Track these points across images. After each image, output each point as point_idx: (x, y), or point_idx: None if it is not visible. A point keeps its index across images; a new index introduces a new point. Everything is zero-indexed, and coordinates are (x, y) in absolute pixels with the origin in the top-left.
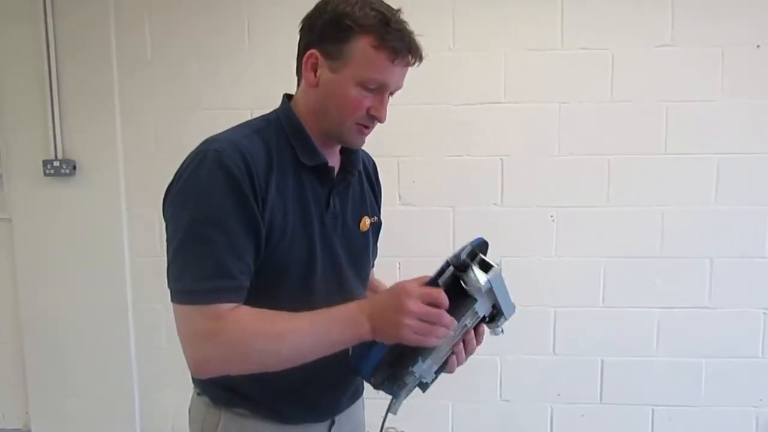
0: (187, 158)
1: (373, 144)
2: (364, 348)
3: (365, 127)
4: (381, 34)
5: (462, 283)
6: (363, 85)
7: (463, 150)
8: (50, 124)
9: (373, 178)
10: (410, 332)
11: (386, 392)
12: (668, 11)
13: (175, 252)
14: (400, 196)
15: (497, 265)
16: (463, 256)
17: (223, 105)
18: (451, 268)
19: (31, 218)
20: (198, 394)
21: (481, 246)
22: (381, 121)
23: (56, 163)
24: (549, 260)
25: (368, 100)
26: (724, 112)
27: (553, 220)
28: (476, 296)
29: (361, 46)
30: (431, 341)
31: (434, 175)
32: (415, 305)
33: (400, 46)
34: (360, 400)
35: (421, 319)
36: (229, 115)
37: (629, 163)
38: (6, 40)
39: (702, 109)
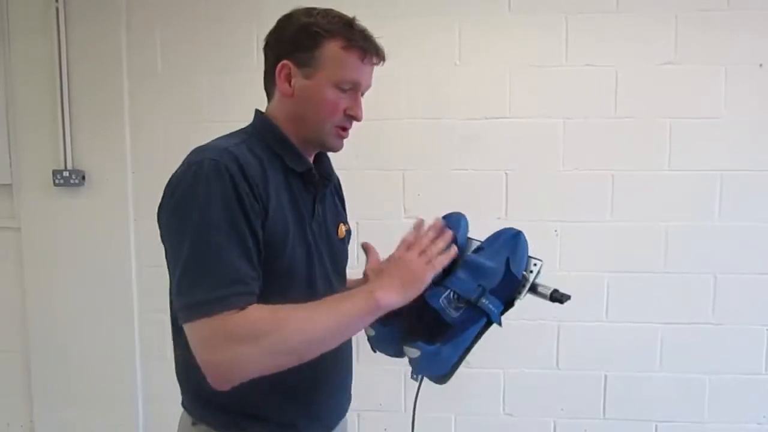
0: (179, 171)
1: (378, 157)
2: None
3: (343, 129)
4: (347, 36)
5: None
6: (338, 86)
7: (468, 164)
8: (60, 135)
9: (339, 189)
10: (427, 265)
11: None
12: (672, 29)
13: (185, 265)
14: (405, 209)
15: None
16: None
17: (232, 118)
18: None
19: (40, 228)
20: (193, 424)
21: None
22: (358, 119)
23: (66, 174)
24: (553, 274)
25: (344, 101)
26: (727, 129)
27: (557, 234)
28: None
29: (331, 49)
30: (445, 256)
31: (439, 189)
32: (410, 250)
33: (368, 45)
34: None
35: (423, 251)
36: (236, 128)
37: (633, 179)
38: (18, 52)
39: (705, 125)
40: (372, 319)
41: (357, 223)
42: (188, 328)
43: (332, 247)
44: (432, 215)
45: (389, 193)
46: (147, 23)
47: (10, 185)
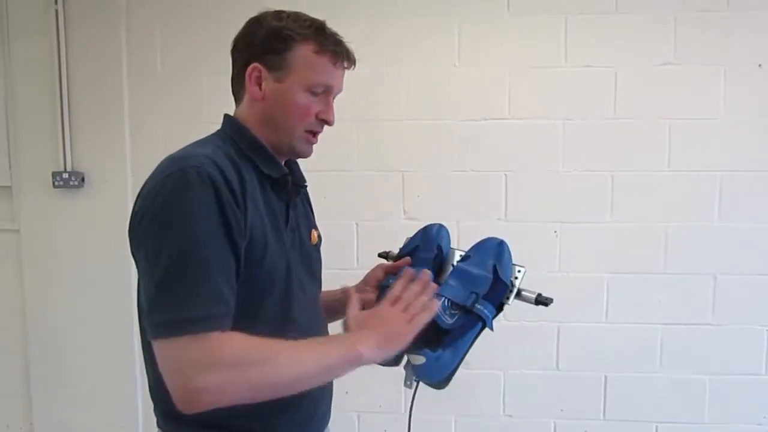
0: (157, 180)
1: (378, 158)
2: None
3: (313, 135)
4: (319, 40)
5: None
6: (310, 90)
7: (467, 165)
8: (60, 137)
9: (307, 195)
10: (409, 324)
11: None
12: (671, 30)
13: (162, 280)
14: (404, 210)
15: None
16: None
17: None
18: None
19: (39, 230)
20: None
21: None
22: (330, 123)
23: (65, 175)
24: (552, 275)
25: (315, 105)
26: (726, 129)
27: (557, 235)
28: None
29: (303, 53)
30: (426, 314)
31: (439, 190)
32: (394, 305)
33: (340, 50)
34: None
35: (407, 308)
36: None
37: (632, 180)
38: (18, 53)
39: (704, 126)
40: (352, 369)
41: (357, 224)
42: (163, 345)
43: (306, 253)
44: (432, 217)
45: (389, 194)
46: (147, 23)
47: (9, 187)
